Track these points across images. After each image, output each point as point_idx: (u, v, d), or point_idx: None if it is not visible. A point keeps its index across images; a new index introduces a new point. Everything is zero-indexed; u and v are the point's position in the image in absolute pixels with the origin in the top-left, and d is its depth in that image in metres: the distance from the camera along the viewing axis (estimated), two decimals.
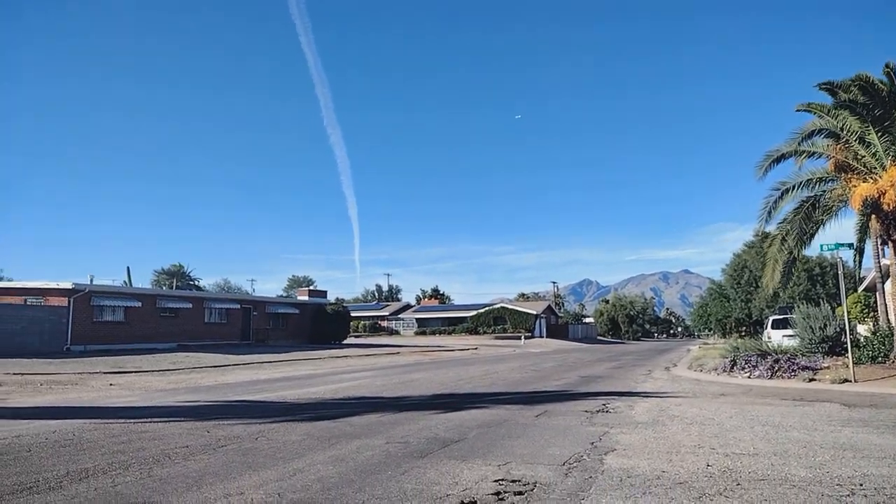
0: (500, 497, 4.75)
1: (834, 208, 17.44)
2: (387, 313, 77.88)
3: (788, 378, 14.35)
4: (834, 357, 15.94)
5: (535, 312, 69.89)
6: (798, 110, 17.46)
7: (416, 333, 70.65)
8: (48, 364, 21.37)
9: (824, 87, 16.43)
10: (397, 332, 73.16)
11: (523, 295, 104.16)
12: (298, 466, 5.83)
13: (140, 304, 32.45)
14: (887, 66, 15.78)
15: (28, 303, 29.42)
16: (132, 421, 9.06)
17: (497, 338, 63.56)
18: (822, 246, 15.99)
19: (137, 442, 7.19)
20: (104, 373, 19.41)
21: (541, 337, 68.43)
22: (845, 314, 14.41)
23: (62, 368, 20.12)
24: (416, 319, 74.76)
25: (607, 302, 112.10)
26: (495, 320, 69.12)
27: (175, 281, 73.25)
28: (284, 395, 13.06)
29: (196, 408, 10.96)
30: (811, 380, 13.82)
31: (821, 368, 14.70)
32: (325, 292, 52.77)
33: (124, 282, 50.99)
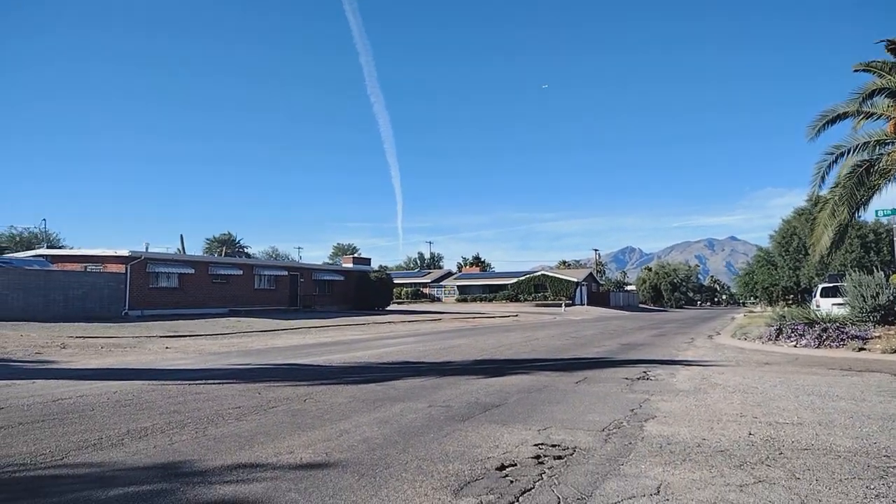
0: (539, 461, 4.85)
1: (892, 172, 16.74)
2: (428, 280, 78.51)
3: (836, 347, 14.02)
4: (886, 326, 15.44)
5: (576, 280, 69.43)
6: (856, 70, 16.68)
7: (458, 300, 71.13)
8: (108, 328, 22.37)
9: (891, 45, 15.58)
10: (439, 299, 73.78)
11: (564, 262, 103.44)
12: (344, 427, 6.05)
13: (193, 270, 33.52)
14: None
15: (88, 269, 30.73)
16: (187, 382, 9.48)
17: (537, 305, 63.52)
18: (877, 212, 15.45)
19: (193, 402, 7.54)
20: (160, 336, 20.23)
21: (581, 305, 68.09)
22: None
23: (121, 332, 21.05)
24: (458, 286, 75.16)
25: (650, 269, 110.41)
26: (536, 288, 68.98)
27: (225, 248, 75.14)
28: (331, 358, 13.42)
29: (247, 370, 11.39)
30: (861, 349, 13.48)
31: (871, 338, 14.29)
32: (369, 260, 53.44)
33: (178, 249, 52.66)
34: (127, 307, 29.52)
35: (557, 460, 4.86)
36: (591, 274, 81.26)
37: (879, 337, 14.32)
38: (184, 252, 50.86)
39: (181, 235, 60.33)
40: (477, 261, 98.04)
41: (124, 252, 30.47)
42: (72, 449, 5.27)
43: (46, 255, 33.60)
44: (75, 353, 15.11)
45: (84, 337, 19.13)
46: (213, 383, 9.41)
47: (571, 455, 5.01)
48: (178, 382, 9.51)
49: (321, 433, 5.81)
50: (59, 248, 49.16)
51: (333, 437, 5.63)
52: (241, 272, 36.61)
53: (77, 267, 31.20)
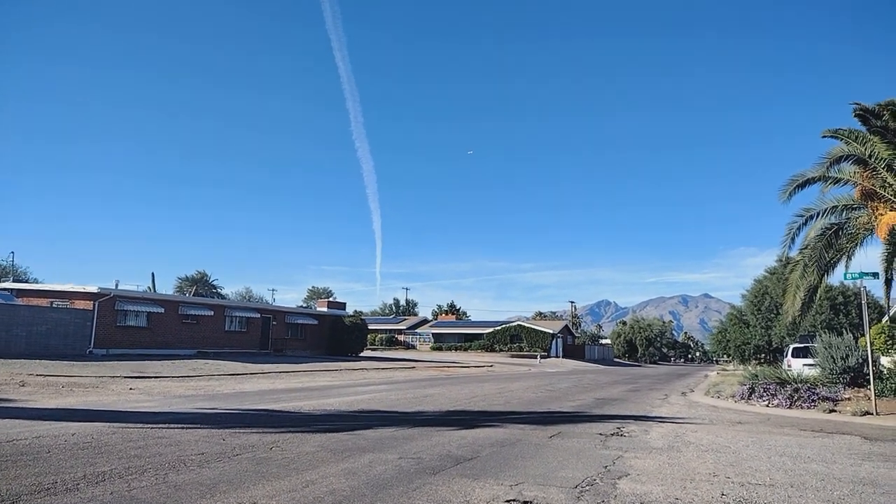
0: None
1: (859, 236, 17.22)
2: (404, 327, 77.96)
3: (808, 408, 14.10)
4: (855, 388, 15.62)
5: (551, 332, 69.49)
6: (824, 136, 17.29)
7: (432, 348, 70.56)
8: (70, 366, 21.70)
9: (858, 112, 16.22)
10: (413, 347, 73.15)
11: (540, 314, 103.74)
12: (311, 478, 5.87)
13: (163, 310, 32.87)
14: None
15: (54, 305, 29.99)
16: (150, 426, 9.19)
17: (513, 356, 63.24)
18: (845, 274, 15.76)
19: (154, 447, 7.29)
20: (125, 377, 19.66)
21: (557, 357, 67.96)
22: (868, 344, 14.15)
23: (84, 371, 20.43)
24: (433, 334, 74.73)
25: (625, 324, 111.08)
26: (512, 338, 68.87)
27: (197, 288, 74.05)
28: (300, 405, 13.13)
29: (213, 415, 11.07)
30: (831, 411, 13.57)
31: (841, 399, 14.42)
32: (344, 304, 52.99)
33: (148, 287, 51.74)
34: (92, 345, 28.74)
35: None
36: (566, 326, 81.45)
37: (849, 399, 14.46)
38: (154, 290, 50.00)
39: (152, 273, 59.62)
40: (452, 309, 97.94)
41: (93, 289, 29.85)
42: (24, 493, 5.04)
43: (12, 289, 32.77)
44: (35, 391, 14.59)
45: (45, 375, 18.52)
46: (177, 427, 9.13)
47: None
48: (140, 425, 9.21)
49: (286, 483, 5.63)
50: (27, 282, 48.03)
51: (298, 488, 5.46)
52: (211, 313, 36.00)
53: (43, 302, 30.45)
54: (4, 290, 32.42)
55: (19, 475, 5.66)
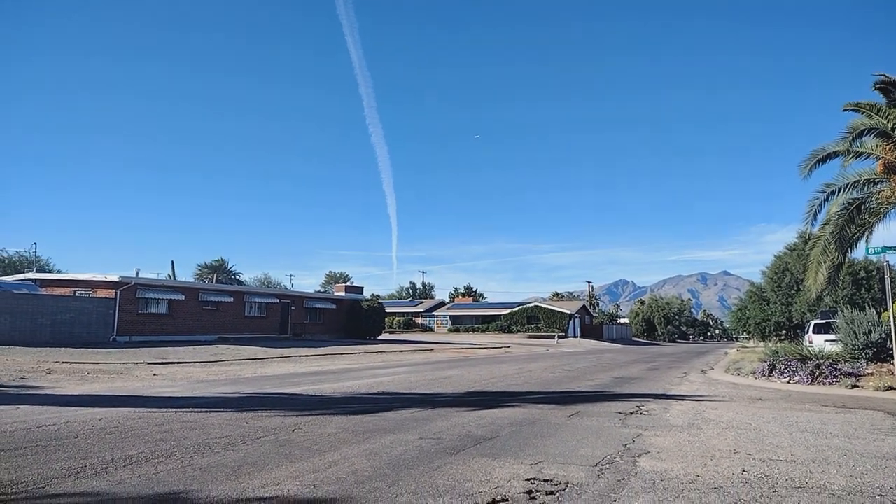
0: (531, 496, 4.78)
1: (882, 210, 16.91)
2: (421, 310, 78.30)
3: (829, 384, 13.99)
4: (878, 364, 15.47)
5: (569, 312, 69.39)
6: (846, 109, 16.94)
7: (450, 331, 70.84)
8: (95, 354, 22.09)
9: (879, 84, 15.88)
10: (431, 329, 73.47)
11: (558, 294, 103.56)
12: (333, 459, 5.95)
13: (183, 297, 33.26)
14: None
15: (77, 294, 30.46)
16: (174, 410, 9.34)
17: (530, 337, 63.31)
18: (868, 249, 15.55)
19: (179, 431, 7.42)
20: (148, 363, 19.99)
21: (575, 337, 67.92)
22: (891, 319, 13.99)
23: (108, 358, 20.79)
24: (450, 317, 74.97)
25: (643, 303, 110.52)
26: (529, 319, 68.90)
27: (217, 275, 74.80)
28: (320, 388, 13.28)
29: (236, 399, 11.23)
30: (854, 386, 13.45)
31: (864, 375, 14.29)
32: (362, 288, 53.25)
33: (168, 275, 52.43)
34: (115, 333, 29.20)
35: (549, 495, 4.79)
36: (584, 306, 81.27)
37: (872, 374, 14.33)
38: (174, 278, 50.61)
39: (172, 261, 60.13)
40: (469, 291, 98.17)
41: (114, 277, 30.27)
42: (55, 477, 5.16)
43: (36, 280, 33.32)
44: (61, 378, 14.89)
45: (71, 362, 18.88)
46: (201, 412, 9.28)
47: (564, 490, 4.94)
48: (165, 410, 9.37)
49: (309, 464, 5.72)
50: (49, 272, 48.80)
51: (322, 469, 5.54)
52: (231, 299, 36.37)
53: (66, 292, 30.95)
54: (28, 280, 32.97)
55: (49, 460, 5.79)
